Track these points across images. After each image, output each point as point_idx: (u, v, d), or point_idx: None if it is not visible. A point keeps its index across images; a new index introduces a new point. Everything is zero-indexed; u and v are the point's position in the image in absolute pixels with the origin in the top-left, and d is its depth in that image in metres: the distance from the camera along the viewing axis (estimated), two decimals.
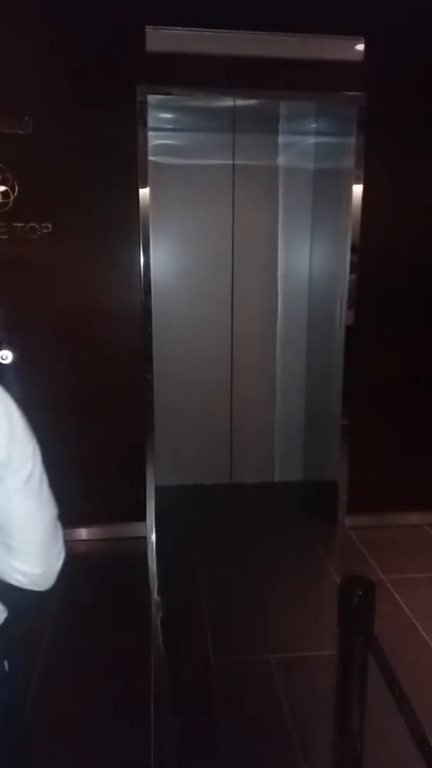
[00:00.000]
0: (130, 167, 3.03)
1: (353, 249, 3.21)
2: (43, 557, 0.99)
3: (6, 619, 1.03)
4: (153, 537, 3.34)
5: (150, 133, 3.12)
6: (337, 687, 1.24)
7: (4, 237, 2.99)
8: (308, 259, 3.95)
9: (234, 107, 3.37)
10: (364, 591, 1.14)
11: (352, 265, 3.23)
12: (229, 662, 2.38)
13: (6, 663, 1.06)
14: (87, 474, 3.14)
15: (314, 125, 3.69)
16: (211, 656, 2.41)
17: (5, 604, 1.05)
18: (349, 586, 1.15)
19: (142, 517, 3.34)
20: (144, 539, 3.33)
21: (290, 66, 3.02)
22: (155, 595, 2.87)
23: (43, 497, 0.99)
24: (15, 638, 1.07)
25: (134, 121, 2.98)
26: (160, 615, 2.70)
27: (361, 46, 3.02)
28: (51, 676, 2.24)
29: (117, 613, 2.68)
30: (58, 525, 1.02)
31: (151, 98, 3.01)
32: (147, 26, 2.91)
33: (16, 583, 1.01)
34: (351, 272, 3.23)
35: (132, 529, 3.35)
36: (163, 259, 3.82)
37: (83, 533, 3.22)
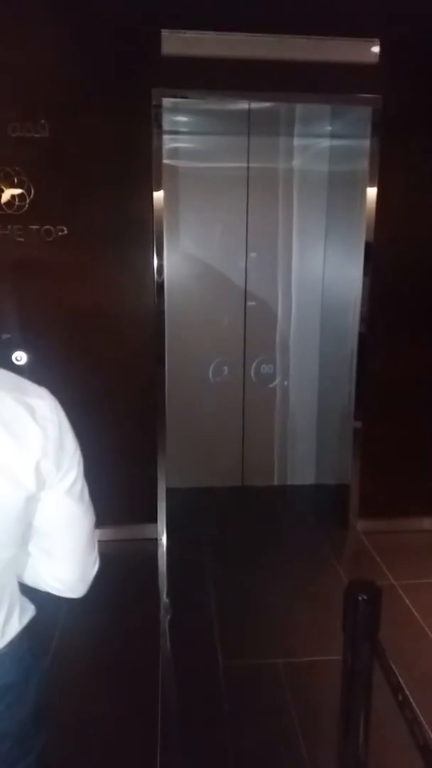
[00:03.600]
0: (145, 170, 3.04)
1: (367, 252, 3.20)
2: (81, 563, 1.01)
3: (32, 618, 1.05)
4: (164, 539, 3.35)
5: (165, 137, 3.13)
6: (342, 692, 1.24)
7: (20, 239, 3.02)
8: (322, 262, 3.93)
9: (249, 110, 3.37)
10: (370, 596, 1.13)
11: (365, 268, 3.21)
12: (238, 665, 2.38)
13: (37, 654, 1.07)
14: (98, 475, 3.13)
15: (329, 128, 3.68)
16: (219, 659, 2.41)
17: (35, 603, 1.07)
18: (354, 591, 1.15)
19: (154, 519, 3.34)
20: (155, 541, 3.34)
21: (304, 68, 3.01)
22: (164, 597, 2.87)
23: (84, 504, 1.00)
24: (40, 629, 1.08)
25: (149, 125, 3.00)
26: (168, 617, 2.70)
27: (376, 48, 3.01)
28: (58, 675, 2.25)
29: (126, 615, 2.68)
30: (95, 533, 1.04)
31: (167, 101, 3.02)
32: (163, 30, 2.92)
33: (51, 590, 1.02)
34: (365, 275, 3.22)
35: (143, 530, 3.35)
36: (176, 262, 3.83)
37: (96, 534, 3.23)
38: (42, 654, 1.10)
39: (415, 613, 2.70)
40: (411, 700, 0.96)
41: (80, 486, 0.99)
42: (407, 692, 0.95)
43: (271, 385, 4.08)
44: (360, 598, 1.13)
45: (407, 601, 2.79)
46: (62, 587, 1.02)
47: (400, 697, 0.95)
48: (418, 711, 0.92)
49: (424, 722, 0.93)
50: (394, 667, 1.03)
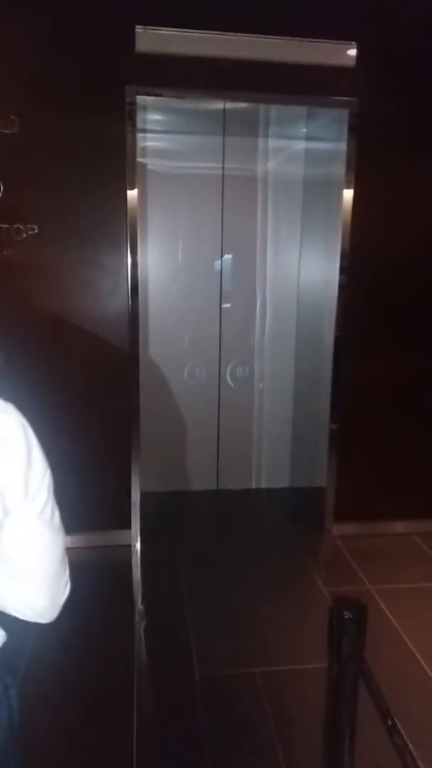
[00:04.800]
0: (119, 169, 2.98)
1: (343, 255, 3.18)
2: (50, 589, 0.96)
3: (5, 643, 1.00)
4: (138, 545, 3.29)
5: (140, 135, 3.08)
6: (327, 712, 1.20)
7: None
8: (297, 264, 3.92)
9: (224, 110, 3.33)
10: (355, 614, 1.10)
11: (341, 271, 3.19)
12: (214, 675, 2.34)
13: (6, 683, 1.02)
14: (71, 480, 3.05)
15: (305, 130, 3.66)
16: (195, 668, 2.37)
17: (4, 627, 1.02)
18: (339, 610, 1.12)
19: (127, 525, 3.28)
20: (129, 547, 3.28)
21: (281, 70, 2.98)
22: (139, 605, 2.82)
23: (54, 527, 0.95)
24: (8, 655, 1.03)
25: (123, 122, 2.93)
26: (143, 625, 2.65)
27: (353, 52, 2.99)
28: (33, 686, 2.18)
29: (100, 624, 2.62)
30: (66, 557, 0.99)
31: (141, 99, 2.96)
32: (137, 26, 2.86)
33: (20, 616, 0.97)
34: (340, 278, 3.20)
35: (117, 537, 3.29)
36: (151, 262, 3.78)
37: (66, 541, 3.14)
38: (12, 683, 1.04)
39: (392, 618, 2.70)
40: (399, 726, 0.93)
41: (50, 509, 0.93)
42: (396, 720, 0.92)
43: (252, 385, 4.05)
44: (345, 617, 1.10)
45: (383, 606, 2.79)
46: (31, 613, 0.97)
47: (390, 723, 0.92)
48: (406, 739, 0.89)
49: (413, 750, 0.91)
50: (383, 690, 1.00)
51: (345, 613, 1.10)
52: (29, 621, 0.99)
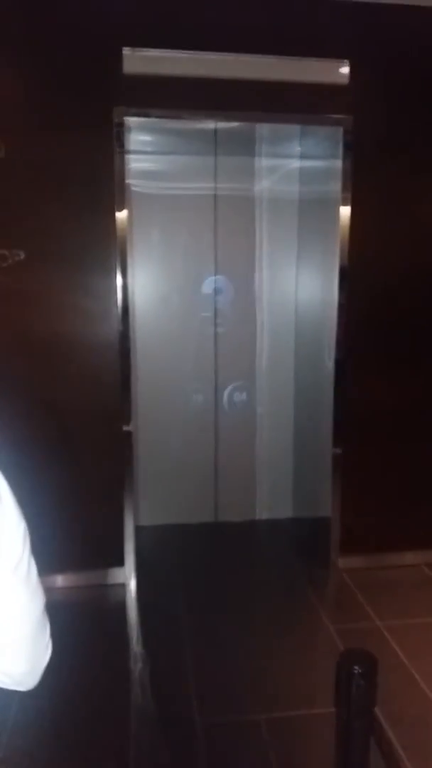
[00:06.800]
0: (108, 191, 2.90)
1: (341, 274, 3.08)
2: (30, 654, 0.86)
3: None
4: (132, 584, 3.11)
5: (129, 157, 3.01)
6: None
7: None
8: (294, 284, 3.82)
9: (215, 130, 3.27)
10: (365, 668, 0.96)
11: (340, 290, 3.09)
12: (217, 723, 2.17)
13: None
14: (61, 515, 2.92)
15: (299, 148, 3.61)
16: (196, 716, 2.20)
17: None
18: (348, 662, 0.97)
19: (121, 562, 3.12)
20: (123, 586, 3.11)
21: (273, 88, 2.93)
22: (135, 648, 2.64)
23: (31, 586, 0.84)
24: None
25: (111, 144, 2.87)
26: (140, 670, 2.48)
27: (346, 69, 2.94)
28: (22, 737, 2.02)
29: (93, 668, 2.45)
30: (46, 616, 0.88)
31: (130, 120, 2.90)
32: (124, 48, 2.81)
33: None
34: (340, 297, 3.10)
35: (110, 575, 3.12)
36: (142, 286, 3.68)
37: (58, 580, 2.96)
38: None
39: (402, 656, 2.52)
40: None
41: (26, 564, 0.82)
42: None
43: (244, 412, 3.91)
44: (355, 671, 0.96)
45: (393, 644, 2.61)
46: (9, 681, 0.86)
47: None
48: None
49: None
50: (395, 749, 0.85)
51: (354, 667, 0.96)
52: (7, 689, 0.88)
